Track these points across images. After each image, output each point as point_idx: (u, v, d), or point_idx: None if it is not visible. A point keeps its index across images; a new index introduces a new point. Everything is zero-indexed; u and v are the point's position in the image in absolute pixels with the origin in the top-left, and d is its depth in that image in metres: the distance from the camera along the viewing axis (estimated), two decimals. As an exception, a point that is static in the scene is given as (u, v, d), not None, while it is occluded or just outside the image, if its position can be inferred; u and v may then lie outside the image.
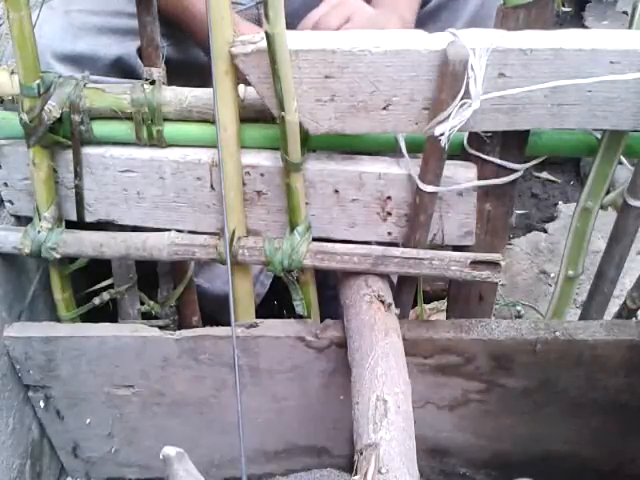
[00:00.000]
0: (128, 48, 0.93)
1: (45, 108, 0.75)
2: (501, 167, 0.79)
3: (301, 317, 0.90)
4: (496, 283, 0.84)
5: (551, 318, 0.93)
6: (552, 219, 1.55)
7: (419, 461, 0.63)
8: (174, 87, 0.79)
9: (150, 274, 0.95)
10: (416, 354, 0.87)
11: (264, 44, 0.67)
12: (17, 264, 0.90)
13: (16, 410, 0.91)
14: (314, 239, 0.83)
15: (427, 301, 1.29)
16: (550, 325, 0.87)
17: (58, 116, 0.76)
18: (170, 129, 0.79)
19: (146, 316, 0.97)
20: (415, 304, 0.94)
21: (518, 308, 1.33)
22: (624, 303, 0.90)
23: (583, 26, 1.91)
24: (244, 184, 0.81)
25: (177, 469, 0.59)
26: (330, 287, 1.00)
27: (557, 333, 0.86)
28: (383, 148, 0.81)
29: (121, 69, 0.93)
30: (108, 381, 0.92)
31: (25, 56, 0.73)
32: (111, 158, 0.81)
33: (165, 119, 0.78)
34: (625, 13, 1.93)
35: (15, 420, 0.90)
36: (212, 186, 0.82)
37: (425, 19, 1.02)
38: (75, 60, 0.88)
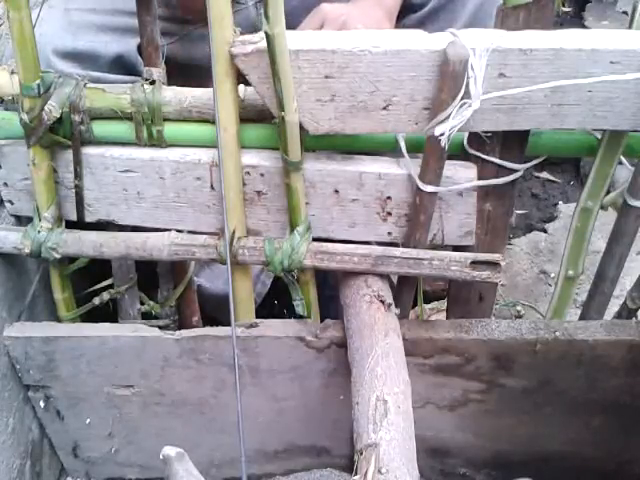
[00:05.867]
0: (128, 45, 0.93)
1: (45, 108, 0.75)
2: (501, 167, 0.79)
3: (301, 317, 0.90)
4: (496, 283, 0.84)
5: (551, 318, 0.93)
6: (552, 219, 1.55)
7: (419, 461, 0.63)
8: (174, 87, 0.79)
9: (150, 274, 0.95)
10: (416, 354, 0.87)
11: (264, 44, 0.67)
12: (17, 264, 0.90)
13: (16, 410, 0.91)
14: (314, 239, 0.83)
15: (427, 301, 1.29)
16: (550, 325, 0.87)
17: (58, 116, 0.76)
18: (170, 129, 0.79)
19: (146, 316, 0.97)
20: (415, 304, 0.94)
21: (518, 308, 1.33)
22: (624, 303, 0.90)
23: (583, 26, 1.91)
24: (244, 184, 0.81)
25: (177, 469, 0.59)
26: (330, 287, 1.00)
27: (557, 333, 0.86)
28: (383, 148, 0.81)
29: (122, 66, 0.93)
30: (108, 381, 0.92)
31: (25, 56, 0.73)
32: (111, 158, 0.81)
33: (165, 119, 0.78)
34: (625, 13, 1.93)
35: (15, 420, 0.90)
36: (212, 186, 0.82)
37: (424, 20, 1.02)
38: (76, 57, 0.88)
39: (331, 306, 0.97)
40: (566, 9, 2.03)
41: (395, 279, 0.89)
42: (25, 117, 0.76)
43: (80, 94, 0.77)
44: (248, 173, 0.80)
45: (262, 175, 0.80)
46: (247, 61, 0.70)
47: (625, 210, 0.82)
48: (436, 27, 0.79)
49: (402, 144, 0.78)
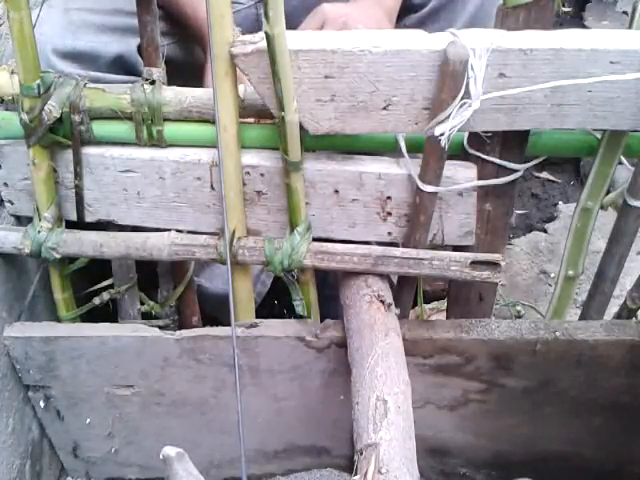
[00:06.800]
0: (128, 46, 0.93)
1: (45, 108, 0.75)
2: (501, 167, 0.79)
3: (301, 317, 0.90)
4: (496, 283, 0.84)
5: (551, 318, 0.93)
6: (552, 219, 1.56)
7: (419, 461, 0.63)
8: (174, 87, 0.79)
9: (150, 274, 0.95)
10: (416, 354, 0.87)
11: (264, 44, 0.67)
12: (17, 264, 0.90)
13: (16, 410, 0.91)
14: (314, 239, 0.83)
15: (427, 301, 1.29)
16: (550, 325, 0.87)
17: (58, 116, 0.76)
18: (170, 129, 0.79)
19: (146, 316, 0.97)
20: (415, 304, 0.94)
21: (518, 308, 1.33)
22: (624, 303, 0.90)
23: (583, 26, 1.91)
24: (244, 184, 0.81)
25: (177, 469, 0.59)
26: (330, 287, 1.00)
27: (557, 333, 0.86)
28: (383, 148, 0.81)
29: (122, 66, 0.93)
30: (108, 381, 0.92)
31: (25, 56, 0.73)
32: (111, 158, 0.81)
33: (165, 119, 0.78)
34: (625, 13, 1.93)
35: (15, 420, 0.90)
36: (212, 186, 0.82)
37: (425, 20, 1.02)
38: (76, 57, 0.88)
39: (331, 306, 0.97)
40: (566, 9, 2.04)
41: (395, 279, 0.89)
42: (25, 117, 0.76)
43: (80, 94, 0.77)
44: (248, 173, 0.80)
45: (262, 175, 0.80)
46: (247, 61, 0.70)
47: (625, 210, 0.82)
48: (436, 27, 0.79)
49: (402, 144, 0.78)
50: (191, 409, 0.95)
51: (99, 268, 0.92)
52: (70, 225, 0.86)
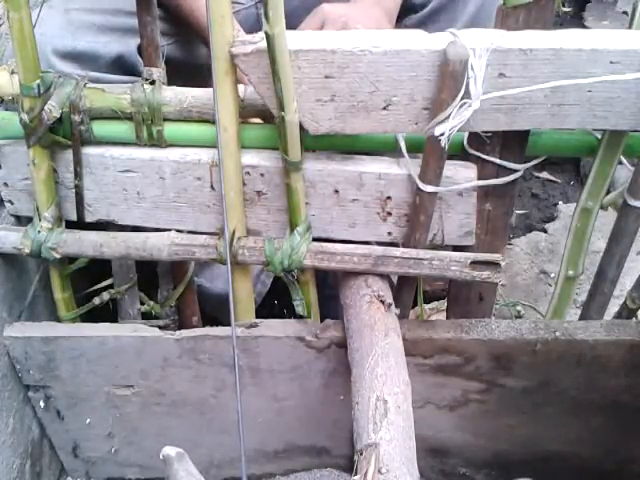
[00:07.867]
0: (128, 46, 0.93)
1: (45, 108, 0.75)
2: (501, 167, 0.79)
3: (301, 317, 0.90)
4: (496, 283, 0.84)
5: (551, 318, 0.93)
6: (552, 219, 1.56)
7: (419, 461, 0.63)
8: (174, 87, 0.79)
9: (150, 274, 0.95)
10: (416, 354, 0.87)
11: (264, 44, 0.67)
12: (17, 264, 0.90)
13: (16, 410, 0.91)
14: (314, 239, 0.83)
15: (427, 301, 1.29)
16: (550, 325, 0.87)
17: (58, 116, 0.76)
18: (170, 129, 0.79)
19: (146, 316, 0.97)
20: (415, 304, 0.94)
21: (518, 308, 1.33)
22: (624, 303, 0.90)
23: (583, 26, 1.91)
24: (244, 184, 0.81)
25: (177, 469, 0.59)
26: (330, 287, 1.00)
27: (557, 333, 0.86)
28: (383, 148, 0.81)
29: (122, 67, 0.93)
30: (108, 381, 0.92)
31: (25, 56, 0.73)
32: (111, 158, 0.81)
33: (165, 119, 0.78)
34: (625, 13, 1.94)
35: (15, 420, 0.90)
36: (212, 186, 0.82)
37: (425, 20, 1.02)
38: (76, 57, 0.88)
39: (331, 306, 0.97)
40: (566, 9, 2.04)
41: (395, 279, 0.89)
42: (25, 117, 0.76)
43: (80, 94, 0.77)
44: (248, 173, 0.80)
45: (262, 175, 0.80)
46: (247, 61, 0.70)
47: (625, 210, 0.82)
48: (437, 27, 0.79)
49: (402, 144, 0.78)
50: (191, 409, 0.95)
51: (99, 268, 0.92)
52: (70, 225, 0.86)
